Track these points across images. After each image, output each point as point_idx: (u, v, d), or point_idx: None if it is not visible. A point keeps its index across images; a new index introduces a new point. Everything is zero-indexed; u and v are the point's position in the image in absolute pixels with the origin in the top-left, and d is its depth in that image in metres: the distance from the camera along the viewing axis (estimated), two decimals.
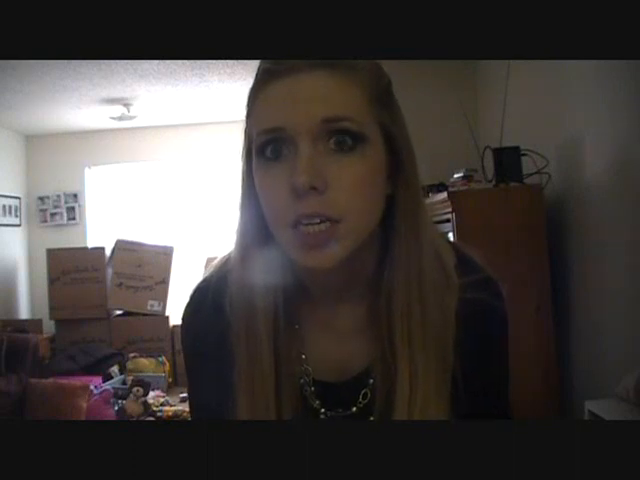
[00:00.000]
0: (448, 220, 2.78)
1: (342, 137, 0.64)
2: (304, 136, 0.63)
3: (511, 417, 0.80)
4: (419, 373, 0.69)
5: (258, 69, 0.69)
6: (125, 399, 4.17)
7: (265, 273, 0.72)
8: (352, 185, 0.64)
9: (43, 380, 4.13)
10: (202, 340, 0.79)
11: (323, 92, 0.63)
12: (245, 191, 0.73)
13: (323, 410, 0.78)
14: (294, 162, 0.64)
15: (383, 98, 0.69)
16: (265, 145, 0.66)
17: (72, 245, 5.77)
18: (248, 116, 0.71)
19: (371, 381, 0.76)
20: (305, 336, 0.78)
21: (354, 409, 0.77)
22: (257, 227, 0.72)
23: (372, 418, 0.74)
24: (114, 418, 4.00)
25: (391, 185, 0.71)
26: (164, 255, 5.45)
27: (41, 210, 6.20)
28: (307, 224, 0.64)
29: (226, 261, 0.80)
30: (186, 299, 0.83)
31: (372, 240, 0.71)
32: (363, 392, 0.77)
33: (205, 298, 0.79)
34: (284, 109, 0.64)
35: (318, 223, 0.64)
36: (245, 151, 0.72)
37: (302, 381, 0.78)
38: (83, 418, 3.89)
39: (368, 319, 0.76)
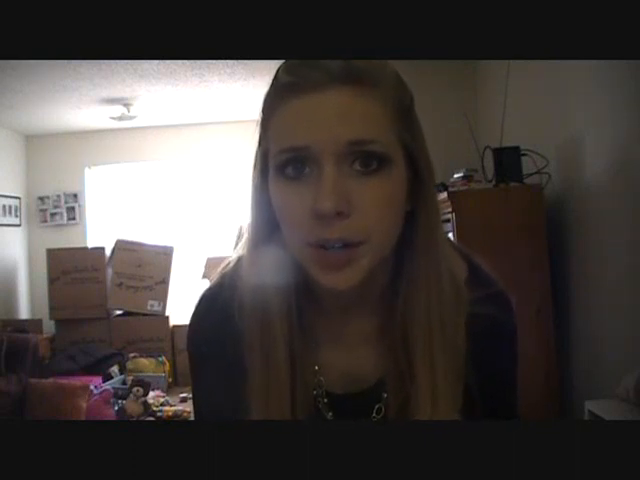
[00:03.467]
0: (448, 220, 2.78)
1: (367, 159, 0.63)
2: (329, 158, 0.62)
3: None
4: (439, 389, 0.69)
5: (276, 80, 0.66)
6: (125, 399, 4.17)
7: (279, 282, 0.71)
8: (376, 207, 0.63)
9: (43, 380, 4.13)
10: (210, 347, 0.78)
11: (348, 112, 0.61)
12: (257, 201, 0.71)
13: None
14: (318, 184, 0.62)
15: (405, 115, 0.67)
16: (286, 163, 0.64)
17: (72, 245, 5.76)
18: (264, 128, 0.68)
19: (385, 395, 0.76)
20: (318, 347, 0.77)
21: None
22: (270, 237, 0.70)
23: None
24: (114, 418, 4.00)
25: (410, 202, 0.70)
26: (164, 255, 5.44)
27: (41, 210, 6.19)
28: (329, 247, 0.63)
29: (232, 267, 0.79)
30: (192, 306, 0.82)
31: (388, 255, 0.71)
32: (377, 407, 0.76)
33: (213, 305, 0.78)
34: (308, 128, 0.62)
35: (341, 247, 0.63)
36: (259, 162, 0.70)
37: (315, 392, 0.77)
38: (83, 418, 3.89)
39: (380, 332, 0.76)
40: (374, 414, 0.76)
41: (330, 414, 0.78)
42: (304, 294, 0.74)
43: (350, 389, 0.77)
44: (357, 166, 0.63)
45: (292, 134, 0.63)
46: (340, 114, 0.61)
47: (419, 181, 0.69)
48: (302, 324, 0.74)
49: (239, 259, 0.77)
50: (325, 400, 0.78)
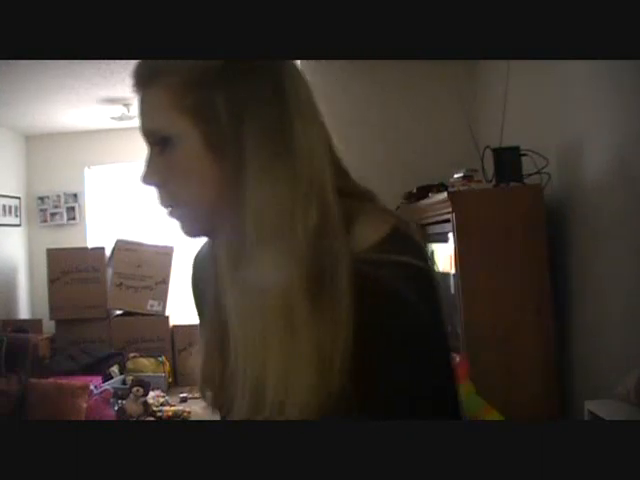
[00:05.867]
0: (448, 220, 2.78)
1: (159, 142, 0.76)
2: (146, 144, 0.78)
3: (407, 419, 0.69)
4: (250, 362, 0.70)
5: None
6: (125, 399, 4.18)
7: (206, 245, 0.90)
8: (173, 178, 0.76)
9: (43, 380, 4.13)
10: (196, 290, 0.95)
11: (146, 109, 0.78)
12: None
13: None
14: None
15: (200, 97, 0.73)
16: None
17: (72, 245, 5.77)
18: None
19: None
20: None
21: None
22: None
23: None
24: (114, 418, 4.00)
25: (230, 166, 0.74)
26: (164, 255, 5.45)
27: (41, 210, 6.20)
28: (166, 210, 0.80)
29: None
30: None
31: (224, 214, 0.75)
32: None
33: (201, 251, 0.94)
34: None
35: (170, 209, 0.79)
36: None
37: None
38: (83, 418, 3.89)
39: None
40: None
41: None
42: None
43: None
44: (157, 148, 0.77)
45: None
46: (142, 110, 0.79)
47: (226, 146, 0.73)
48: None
49: None
50: None
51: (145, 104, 0.78)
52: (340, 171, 0.79)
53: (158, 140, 0.76)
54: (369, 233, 0.73)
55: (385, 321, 0.69)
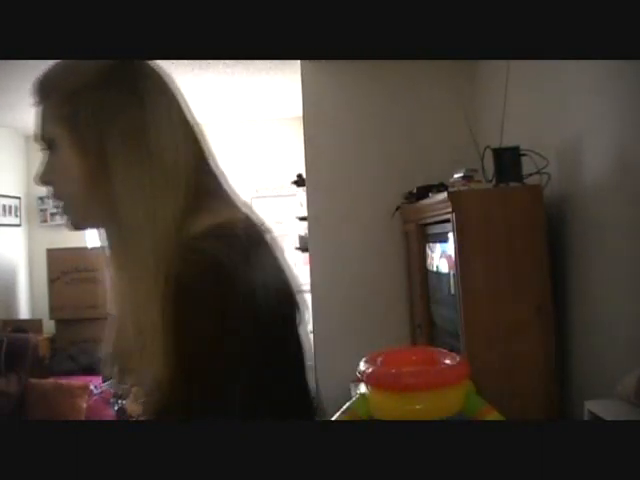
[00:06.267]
0: (448, 220, 2.77)
1: (46, 146, 0.88)
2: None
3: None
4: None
5: None
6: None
7: None
8: (57, 177, 0.89)
9: (43, 380, 4.13)
10: None
11: (38, 119, 0.87)
12: None
13: None
14: None
15: (71, 108, 0.84)
16: None
17: (72, 245, 5.76)
18: None
19: None
20: None
21: None
22: None
23: None
24: (114, 418, 4.00)
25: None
26: None
27: (41, 210, 6.19)
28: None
29: None
30: None
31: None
32: None
33: None
34: None
35: (60, 205, 0.91)
36: None
37: None
38: (83, 418, 3.89)
39: None
40: None
41: None
42: None
43: None
44: (46, 152, 0.88)
45: None
46: (36, 120, 0.88)
47: (90, 149, 0.85)
48: None
49: None
50: None
51: (37, 116, 0.88)
52: (208, 171, 0.92)
53: (44, 145, 0.88)
54: (199, 225, 0.83)
55: (174, 302, 0.78)
